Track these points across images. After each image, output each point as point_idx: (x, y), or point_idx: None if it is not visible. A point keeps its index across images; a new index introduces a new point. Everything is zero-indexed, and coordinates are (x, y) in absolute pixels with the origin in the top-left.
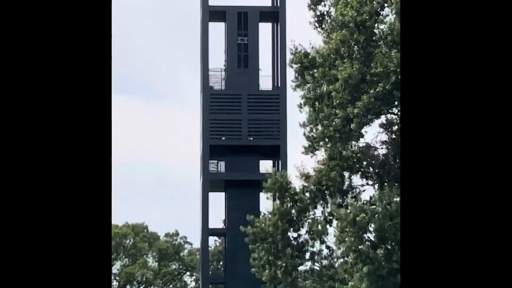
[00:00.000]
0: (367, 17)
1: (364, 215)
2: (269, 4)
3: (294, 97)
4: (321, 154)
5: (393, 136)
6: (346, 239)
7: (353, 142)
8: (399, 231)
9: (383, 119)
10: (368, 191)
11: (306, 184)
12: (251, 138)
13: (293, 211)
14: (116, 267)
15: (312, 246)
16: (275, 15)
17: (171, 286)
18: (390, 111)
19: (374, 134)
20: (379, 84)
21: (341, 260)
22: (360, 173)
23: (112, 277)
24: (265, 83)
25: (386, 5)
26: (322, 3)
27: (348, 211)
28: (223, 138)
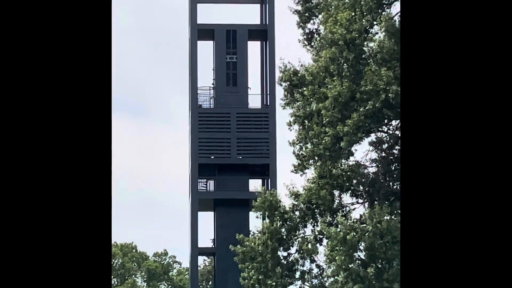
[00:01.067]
0: (357, 35)
1: (354, 234)
2: (257, 22)
3: (283, 115)
4: (310, 173)
5: (383, 154)
6: (336, 258)
7: (343, 161)
8: (390, 250)
9: (373, 137)
10: (358, 210)
11: (295, 203)
12: (240, 157)
13: (283, 230)
14: None
15: (302, 265)
16: (264, 33)
17: None
18: (380, 129)
19: (364, 152)
20: (369, 102)
21: (332, 279)
22: (350, 191)
23: None
24: (254, 101)
25: (375, 23)
26: (311, 21)
27: (338, 229)
28: (212, 157)
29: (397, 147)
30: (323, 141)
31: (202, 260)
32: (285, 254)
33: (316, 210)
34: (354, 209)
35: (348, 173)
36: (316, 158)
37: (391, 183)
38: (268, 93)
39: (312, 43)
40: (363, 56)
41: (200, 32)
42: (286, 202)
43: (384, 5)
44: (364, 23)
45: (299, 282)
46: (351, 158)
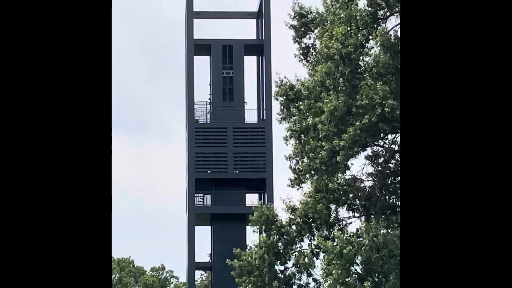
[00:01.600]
0: (352, 50)
1: (351, 248)
2: (254, 37)
3: (279, 130)
4: (307, 187)
5: (379, 168)
6: (333, 271)
7: (339, 175)
8: (386, 264)
9: (369, 151)
10: (355, 224)
11: (292, 217)
12: (237, 171)
13: (280, 244)
14: None
15: (299, 279)
16: (260, 48)
17: None
18: (376, 143)
19: (360, 167)
20: (365, 116)
21: None
22: (346, 205)
23: None
24: (251, 116)
25: (371, 37)
26: (307, 36)
27: (335, 243)
28: (209, 172)
29: (393, 161)
30: (320, 155)
31: (199, 275)
32: (282, 268)
33: (312, 224)
34: (350, 223)
35: (345, 187)
36: (313, 172)
37: (387, 197)
38: (264, 107)
39: (308, 58)
40: (359, 70)
41: (196, 47)
42: (283, 216)
43: (380, 20)
44: (359, 37)
45: None
46: (348, 172)
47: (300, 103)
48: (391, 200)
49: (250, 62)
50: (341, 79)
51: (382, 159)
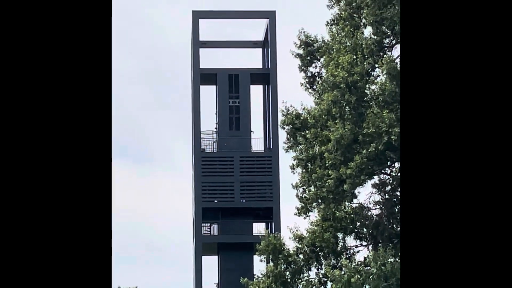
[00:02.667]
0: (358, 78)
1: (359, 276)
2: (260, 66)
3: (286, 159)
4: (314, 215)
5: (386, 196)
6: None
7: (346, 203)
8: None
9: (376, 179)
10: (362, 252)
11: (299, 246)
12: (244, 200)
13: (287, 273)
14: None
15: None
16: (266, 77)
17: None
18: (383, 171)
19: (367, 195)
20: (372, 145)
21: None
22: (354, 234)
23: None
24: (257, 145)
25: (377, 65)
26: (313, 65)
27: (343, 272)
28: (216, 201)
29: (400, 189)
30: (326, 184)
31: None
32: None
33: (320, 253)
34: (358, 251)
35: (352, 215)
36: (320, 201)
37: (394, 225)
38: (271, 136)
39: (314, 86)
40: (365, 98)
41: (202, 76)
42: (290, 245)
43: (385, 48)
44: (365, 66)
45: None
46: (355, 201)
47: (307, 131)
48: (398, 228)
49: (256, 91)
50: (347, 107)
51: (389, 187)
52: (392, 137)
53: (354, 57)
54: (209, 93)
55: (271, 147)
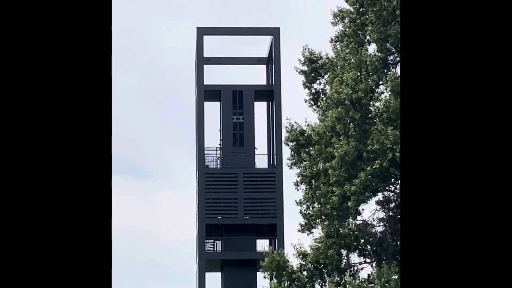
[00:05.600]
0: (363, 95)
1: None
2: (264, 82)
3: (290, 175)
4: (318, 232)
5: (390, 213)
6: None
7: (350, 220)
8: None
9: (380, 196)
10: (366, 269)
11: (303, 263)
12: (247, 217)
13: None
14: None
15: None
16: (270, 93)
17: None
18: (387, 188)
19: (371, 212)
20: (376, 161)
21: None
22: (357, 251)
23: None
24: (261, 161)
25: (381, 82)
26: (317, 81)
27: None
28: (219, 217)
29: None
30: (330, 201)
31: None
32: None
33: (324, 270)
34: (362, 268)
35: (356, 232)
36: (323, 218)
37: (398, 242)
38: (275, 153)
39: (318, 103)
40: (369, 115)
41: (206, 92)
42: (294, 262)
43: (390, 65)
44: (370, 82)
45: None
46: (359, 218)
47: (311, 148)
48: None
49: (260, 108)
50: (351, 124)
51: (393, 204)
52: (396, 154)
53: (358, 74)
54: (213, 109)
55: (275, 163)
